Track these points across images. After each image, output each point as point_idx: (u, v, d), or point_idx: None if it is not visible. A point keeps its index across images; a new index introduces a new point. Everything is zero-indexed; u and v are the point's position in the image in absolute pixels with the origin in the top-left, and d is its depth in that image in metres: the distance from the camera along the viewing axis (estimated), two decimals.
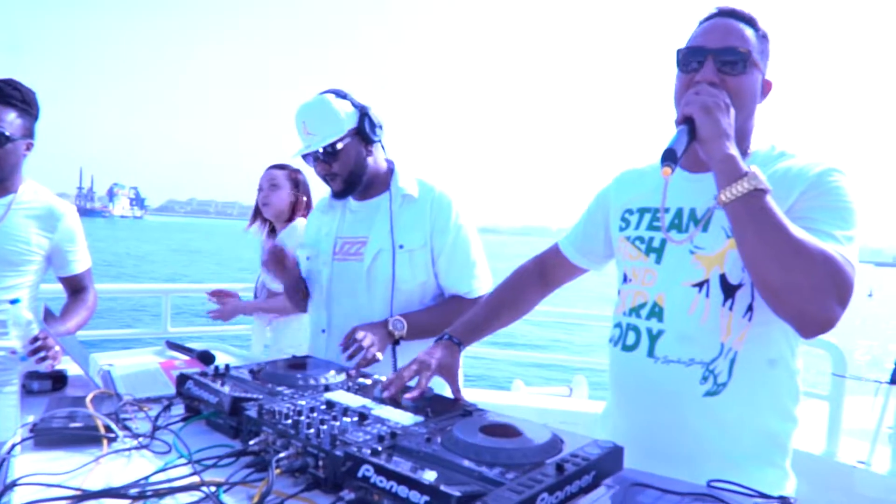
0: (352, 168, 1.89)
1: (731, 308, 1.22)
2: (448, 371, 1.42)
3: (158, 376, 1.72)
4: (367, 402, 1.25)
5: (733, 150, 1.11)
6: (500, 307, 1.62)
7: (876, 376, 2.62)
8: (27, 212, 2.17)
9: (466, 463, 0.92)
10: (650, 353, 1.29)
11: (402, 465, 0.89)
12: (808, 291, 1.05)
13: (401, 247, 1.89)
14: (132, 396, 1.46)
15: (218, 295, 3.12)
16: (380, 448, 0.96)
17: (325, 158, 1.85)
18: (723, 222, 1.23)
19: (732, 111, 1.16)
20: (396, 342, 1.82)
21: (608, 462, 0.98)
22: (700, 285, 1.24)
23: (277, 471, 0.99)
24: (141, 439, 1.20)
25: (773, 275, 1.06)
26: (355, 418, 1.13)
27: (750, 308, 1.21)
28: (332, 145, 1.82)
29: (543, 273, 1.66)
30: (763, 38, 1.27)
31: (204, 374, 1.41)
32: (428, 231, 1.90)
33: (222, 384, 1.34)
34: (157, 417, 1.31)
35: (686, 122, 1.14)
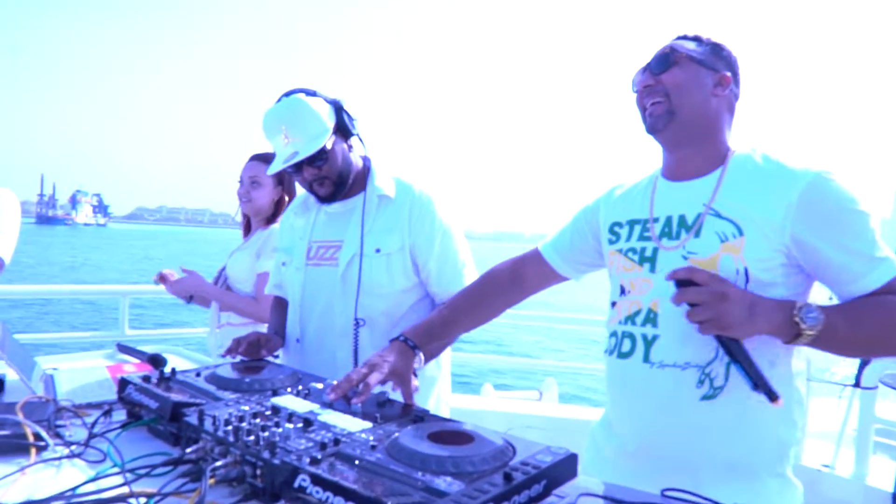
0: (340, 168, 1.80)
1: None
2: (400, 377, 1.35)
3: (105, 381, 1.65)
4: (315, 407, 1.19)
5: (766, 315, 1.09)
6: (463, 312, 1.56)
7: (841, 379, 2.64)
8: None
9: (411, 472, 0.87)
10: (646, 359, 1.26)
11: (342, 475, 0.84)
12: (893, 346, 1.15)
13: (377, 251, 1.80)
14: (71, 402, 1.38)
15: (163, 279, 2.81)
16: (320, 456, 0.90)
17: (315, 163, 1.75)
18: (716, 227, 1.21)
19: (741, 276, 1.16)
20: None
21: (561, 470, 0.94)
22: None
23: (212, 480, 0.93)
24: (73, 447, 1.13)
25: (867, 354, 1.23)
26: (300, 424, 1.07)
27: None
28: (322, 148, 1.72)
29: (518, 279, 1.58)
30: (708, 44, 1.30)
31: (147, 379, 1.35)
32: (406, 233, 1.81)
33: (166, 389, 1.28)
34: (93, 424, 1.24)
35: (721, 343, 1.12)
